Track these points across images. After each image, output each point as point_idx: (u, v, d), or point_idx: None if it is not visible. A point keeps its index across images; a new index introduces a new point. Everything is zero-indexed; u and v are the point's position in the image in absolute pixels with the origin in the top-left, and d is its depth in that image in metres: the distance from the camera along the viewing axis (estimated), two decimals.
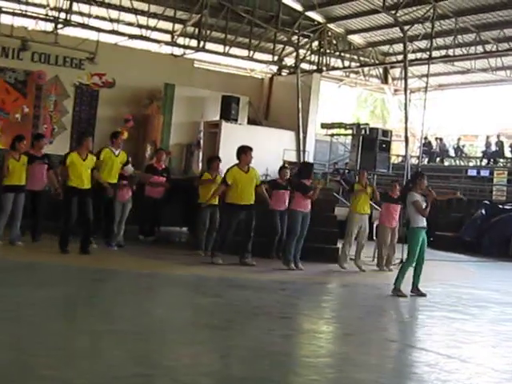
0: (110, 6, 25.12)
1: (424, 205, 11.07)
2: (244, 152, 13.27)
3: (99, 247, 13.06)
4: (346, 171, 26.15)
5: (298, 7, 27.07)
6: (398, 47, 27.87)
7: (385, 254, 15.06)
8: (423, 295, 11.24)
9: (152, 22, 25.80)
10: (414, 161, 27.70)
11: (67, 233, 12.33)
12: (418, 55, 27.03)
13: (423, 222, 11.10)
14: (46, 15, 24.21)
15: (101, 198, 12.75)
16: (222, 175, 13.70)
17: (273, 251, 14.65)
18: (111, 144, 13.49)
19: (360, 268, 14.39)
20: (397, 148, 29.81)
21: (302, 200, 13.48)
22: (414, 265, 11.25)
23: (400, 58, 27.77)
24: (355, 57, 30.05)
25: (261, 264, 13.39)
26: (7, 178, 12.62)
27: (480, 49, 25.27)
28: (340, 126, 25.56)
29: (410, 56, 26.06)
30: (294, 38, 28.38)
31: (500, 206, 23.05)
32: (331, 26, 28.30)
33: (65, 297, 8.83)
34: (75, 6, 24.29)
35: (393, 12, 23.67)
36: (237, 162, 13.33)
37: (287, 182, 14.69)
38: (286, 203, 14.22)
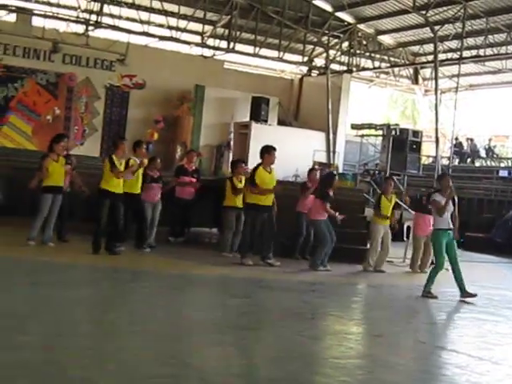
0: (140, 7, 25.30)
1: (443, 202, 10.90)
2: (268, 152, 13.15)
3: (130, 249, 13.07)
4: (377, 172, 26.04)
5: (328, 8, 27.04)
6: (429, 47, 27.70)
7: (419, 258, 14.92)
8: (473, 296, 11.00)
9: (182, 24, 25.93)
10: (445, 162, 27.55)
11: (100, 235, 12.35)
12: (449, 55, 26.87)
13: (444, 224, 10.93)
14: (77, 17, 24.48)
15: (129, 206, 12.74)
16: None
17: (296, 252, 14.60)
18: (133, 153, 13.32)
19: (381, 271, 14.16)
20: (427, 149, 29.61)
21: (321, 207, 13.42)
22: (443, 269, 11.16)
23: (430, 58, 27.62)
24: (385, 57, 29.94)
25: (285, 264, 13.33)
26: (46, 179, 12.56)
27: (511, 49, 25.05)
28: (370, 126, 25.49)
29: (441, 56, 25.93)
30: (324, 38, 28.35)
31: None
32: (361, 26, 28.23)
33: (95, 297, 8.91)
34: (106, 8, 24.54)
35: (423, 12, 23.61)
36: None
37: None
38: None
